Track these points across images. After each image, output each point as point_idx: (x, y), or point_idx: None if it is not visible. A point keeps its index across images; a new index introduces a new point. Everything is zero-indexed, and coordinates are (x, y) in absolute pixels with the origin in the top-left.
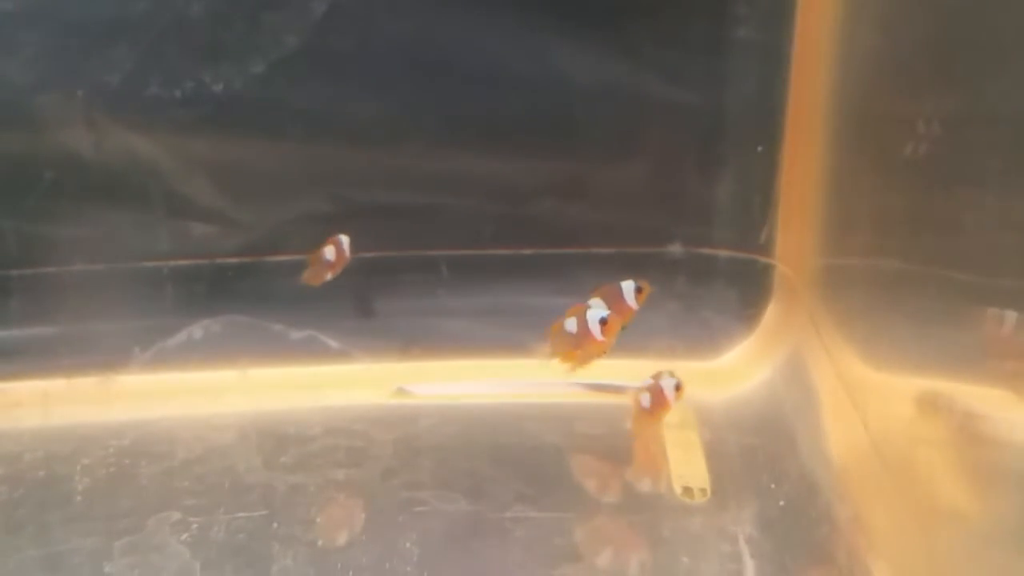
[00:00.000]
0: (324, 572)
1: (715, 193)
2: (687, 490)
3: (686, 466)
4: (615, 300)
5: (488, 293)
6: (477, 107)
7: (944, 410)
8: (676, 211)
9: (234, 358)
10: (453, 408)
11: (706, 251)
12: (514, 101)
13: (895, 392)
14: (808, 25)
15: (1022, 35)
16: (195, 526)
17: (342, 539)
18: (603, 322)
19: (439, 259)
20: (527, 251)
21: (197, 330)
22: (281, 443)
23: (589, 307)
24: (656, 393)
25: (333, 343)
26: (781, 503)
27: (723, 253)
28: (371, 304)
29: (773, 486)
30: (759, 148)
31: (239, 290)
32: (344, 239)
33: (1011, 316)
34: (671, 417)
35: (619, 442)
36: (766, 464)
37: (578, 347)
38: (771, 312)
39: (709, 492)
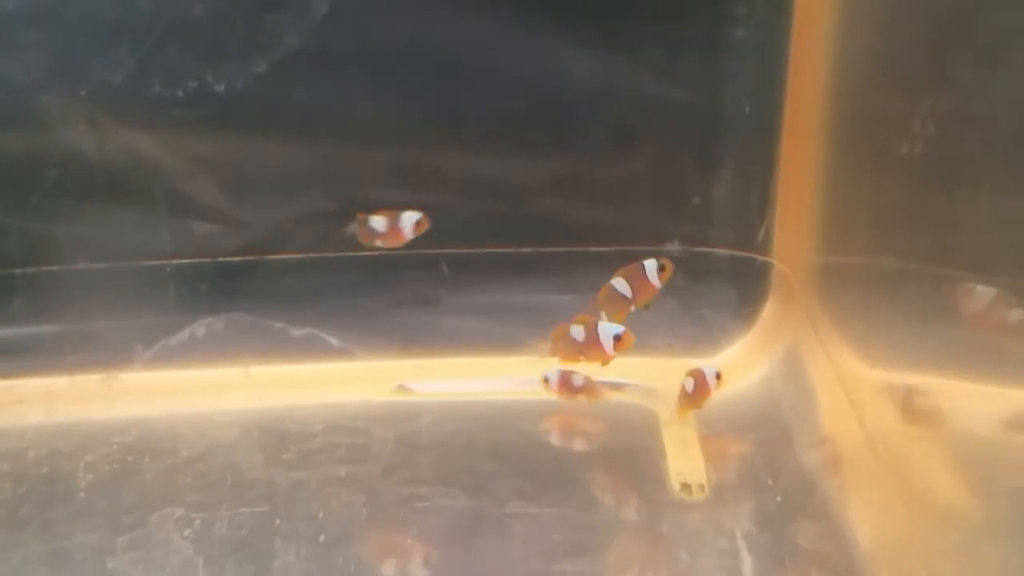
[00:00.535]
0: (326, 567)
1: (713, 192)
2: (685, 486)
3: (684, 462)
4: (638, 279)
5: (488, 291)
6: (477, 106)
7: (922, 408)
8: (674, 209)
9: (236, 356)
10: (453, 405)
11: (704, 249)
12: (514, 100)
13: (891, 389)
14: (805, 25)
15: (1018, 34)
16: (198, 522)
17: (343, 535)
18: (617, 339)
19: (439, 257)
20: (526, 249)
21: (199, 328)
22: (283, 440)
23: (601, 318)
24: (699, 379)
25: (334, 341)
26: (778, 499)
27: (721, 251)
28: (371, 302)
29: (770, 482)
30: (758, 148)
31: (241, 288)
32: (409, 216)
33: (984, 291)
34: (668, 414)
35: (617, 438)
36: (763, 460)
37: (583, 355)
38: (768, 310)
39: (707, 488)
